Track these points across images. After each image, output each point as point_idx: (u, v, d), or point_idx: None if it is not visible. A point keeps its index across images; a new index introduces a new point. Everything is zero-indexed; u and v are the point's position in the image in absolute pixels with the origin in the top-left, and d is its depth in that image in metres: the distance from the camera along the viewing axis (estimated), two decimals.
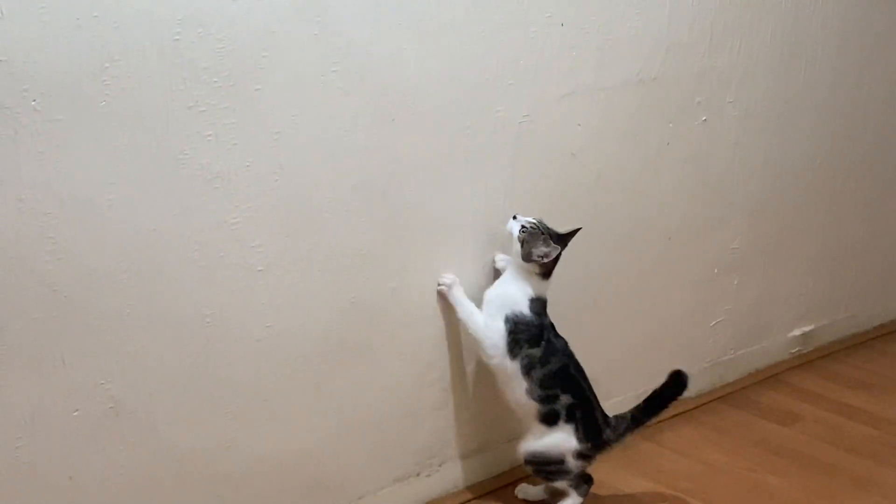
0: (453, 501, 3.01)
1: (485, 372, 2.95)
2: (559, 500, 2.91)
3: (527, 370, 2.80)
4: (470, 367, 2.97)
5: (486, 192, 2.87)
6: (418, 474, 2.97)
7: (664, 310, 3.45)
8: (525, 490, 3.00)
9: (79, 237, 2.21)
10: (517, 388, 2.82)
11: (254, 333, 2.53)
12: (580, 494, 2.90)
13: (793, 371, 3.84)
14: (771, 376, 3.79)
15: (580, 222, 3.09)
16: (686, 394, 3.52)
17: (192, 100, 2.28)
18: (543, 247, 2.77)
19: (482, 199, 2.86)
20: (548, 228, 2.80)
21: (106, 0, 2.13)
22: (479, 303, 2.84)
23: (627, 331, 3.35)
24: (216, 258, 2.42)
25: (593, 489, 2.93)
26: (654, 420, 2.95)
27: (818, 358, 3.94)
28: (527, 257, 2.78)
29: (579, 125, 3.01)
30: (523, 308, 2.80)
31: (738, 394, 3.67)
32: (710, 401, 3.61)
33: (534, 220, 2.80)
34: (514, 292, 2.81)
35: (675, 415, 3.47)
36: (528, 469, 2.93)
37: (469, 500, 3.02)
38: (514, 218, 2.82)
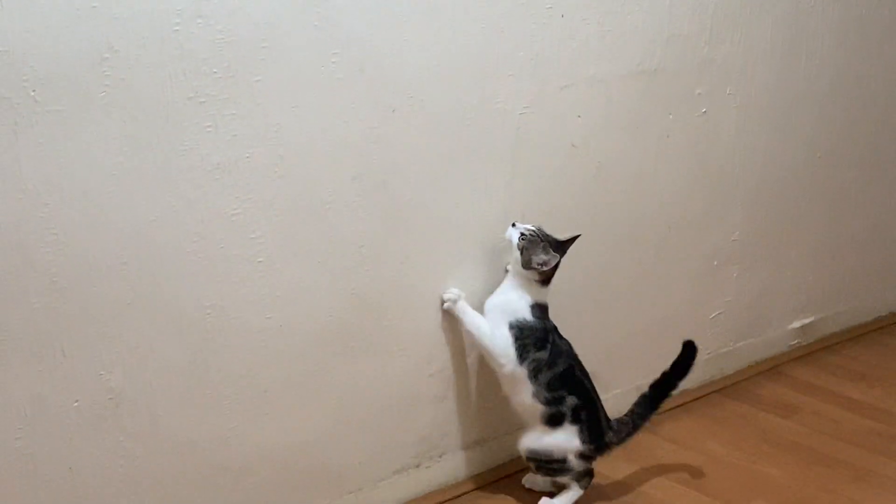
0: (453, 493, 3.01)
1: (484, 364, 2.95)
2: (561, 492, 2.92)
3: (534, 374, 2.81)
4: (469, 359, 2.97)
5: (487, 184, 2.87)
6: (418, 466, 2.97)
7: (664, 301, 3.45)
8: (532, 480, 3.00)
9: (79, 228, 2.21)
10: (524, 392, 2.83)
11: (253, 325, 2.53)
12: (581, 487, 2.91)
13: (792, 363, 3.84)
14: (770, 368, 3.79)
15: (580, 214, 3.10)
16: (686, 385, 3.54)
17: (191, 91, 2.28)
18: (543, 254, 2.78)
19: (483, 191, 2.86)
20: (547, 236, 2.81)
21: None
22: (480, 309, 2.86)
23: (627, 322, 3.35)
24: (216, 249, 2.42)
25: (594, 480, 2.93)
26: (656, 411, 2.97)
27: (818, 350, 3.94)
28: (526, 265, 2.78)
29: (579, 117, 3.01)
30: (525, 314, 2.81)
31: (737, 386, 3.67)
32: (710, 392, 3.61)
33: (533, 228, 2.81)
34: (514, 300, 2.82)
35: (675, 406, 3.48)
36: (531, 465, 2.93)
37: (469, 492, 3.03)
38: (513, 225, 2.83)
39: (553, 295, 2.85)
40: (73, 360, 2.28)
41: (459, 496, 3.00)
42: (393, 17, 2.55)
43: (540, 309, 2.83)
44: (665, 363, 3.31)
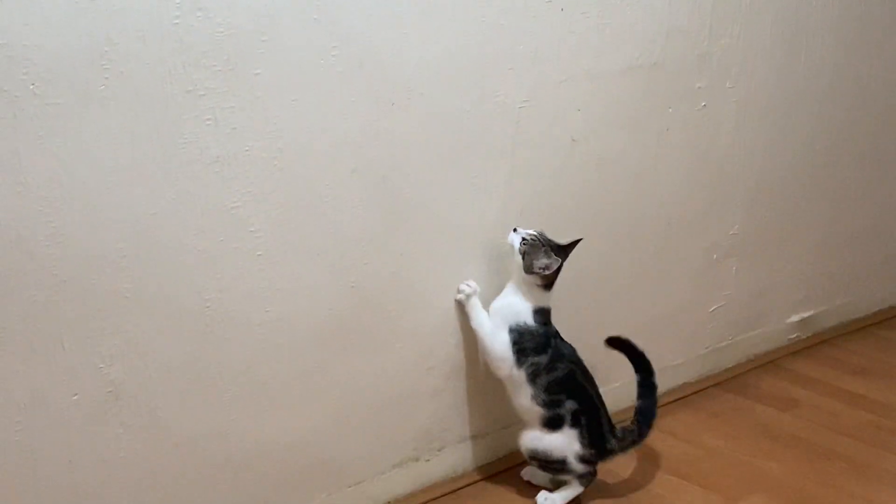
0: (453, 486, 3.01)
1: (482, 358, 2.95)
2: (560, 486, 2.92)
3: (532, 377, 2.83)
4: (469, 353, 2.97)
5: (486, 178, 2.87)
6: (417, 459, 2.97)
7: (663, 295, 3.45)
8: (531, 473, 3.00)
9: (78, 222, 2.21)
10: (523, 395, 2.85)
11: (253, 318, 2.53)
12: (582, 485, 2.92)
13: (791, 357, 3.84)
14: (769, 362, 3.80)
15: (579, 208, 3.10)
16: (685, 379, 3.55)
17: (191, 84, 2.28)
18: (545, 259, 2.79)
19: (482, 185, 2.86)
20: (548, 240, 2.82)
21: None
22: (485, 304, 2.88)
23: (627, 316, 3.35)
24: (215, 243, 2.42)
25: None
26: (656, 415, 2.98)
27: (817, 344, 3.95)
28: (528, 269, 2.80)
29: (579, 110, 3.01)
30: (527, 318, 2.83)
31: (736, 379, 3.68)
32: (709, 386, 3.62)
33: (534, 233, 2.82)
34: (516, 304, 2.84)
35: (674, 400, 3.48)
36: (533, 463, 2.94)
37: (468, 485, 3.03)
38: (515, 231, 2.84)
39: (554, 289, 2.85)
40: (72, 354, 2.28)
41: (459, 489, 3.01)
42: (393, 12, 2.55)
43: (542, 313, 2.84)
44: (665, 358, 3.32)
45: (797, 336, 3.94)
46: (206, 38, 2.27)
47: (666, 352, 3.51)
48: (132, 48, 2.18)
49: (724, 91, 3.35)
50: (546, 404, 2.84)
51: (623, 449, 2.94)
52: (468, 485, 3.03)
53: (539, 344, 2.83)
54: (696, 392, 3.56)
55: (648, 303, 3.41)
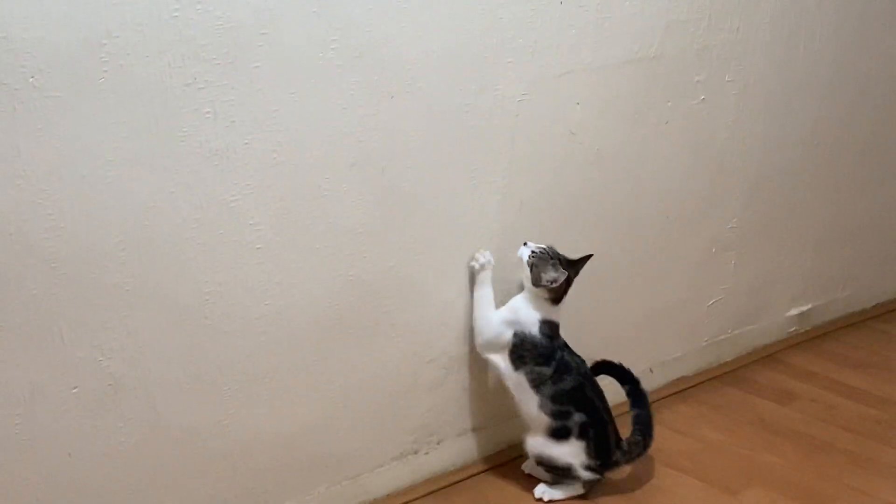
0: (452, 479, 3.02)
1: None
2: (562, 483, 2.94)
3: (536, 385, 2.84)
4: (467, 346, 2.97)
5: (485, 171, 2.86)
6: (416, 452, 2.98)
7: (662, 289, 3.45)
8: (531, 466, 3.01)
9: (77, 214, 2.21)
10: (529, 401, 2.86)
11: (252, 311, 2.54)
12: (583, 487, 2.93)
13: (790, 350, 3.85)
14: (768, 355, 3.80)
15: (578, 201, 3.10)
16: (684, 372, 3.55)
17: (190, 77, 2.27)
18: (553, 272, 2.80)
19: (481, 178, 2.86)
20: (557, 254, 2.84)
21: None
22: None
23: (625, 310, 3.36)
24: (215, 236, 2.42)
25: None
26: (653, 418, 3.01)
27: (815, 337, 3.95)
28: (536, 282, 2.81)
29: (578, 104, 3.01)
30: (532, 328, 2.83)
31: (735, 373, 3.68)
32: (708, 379, 3.62)
33: (544, 247, 2.84)
34: (524, 311, 2.85)
35: (673, 393, 3.49)
36: (539, 468, 2.94)
37: (467, 478, 3.03)
38: (525, 244, 2.85)
39: (563, 304, 2.88)
40: (71, 347, 2.28)
41: (458, 482, 3.01)
42: (392, 5, 2.54)
43: (549, 326, 2.85)
44: (664, 352, 3.33)
45: (796, 330, 3.95)
46: (205, 31, 2.27)
47: (665, 345, 3.51)
48: (131, 41, 2.18)
49: (723, 84, 3.35)
50: (553, 414, 2.85)
51: (629, 461, 2.96)
52: (467, 478, 3.03)
53: (541, 355, 2.84)
54: (695, 385, 3.56)
55: (647, 296, 3.41)
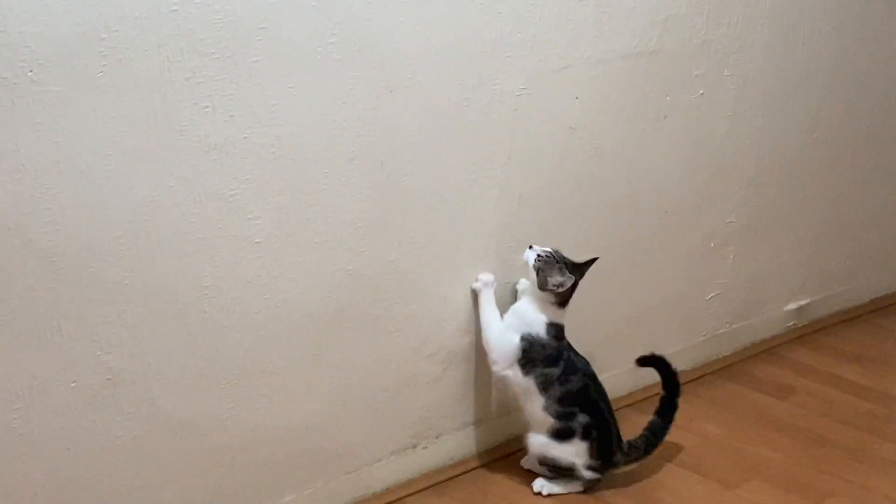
0: (450, 473, 3.02)
1: (481, 346, 2.96)
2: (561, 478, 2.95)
3: (543, 387, 2.85)
4: (466, 340, 2.97)
5: (484, 166, 2.86)
6: (415, 446, 2.98)
7: (660, 283, 3.45)
8: (531, 462, 3.01)
9: (76, 208, 2.21)
10: (535, 404, 2.87)
11: (251, 305, 2.54)
12: (583, 485, 2.94)
13: (788, 345, 3.85)
14: (766, 350, 3.80)
15: (577, 196, 3.10)
16: (682, 367, 3.55)
17: (189, 71, 2.27)
18: (559, 276, 2.81)
19: (480, 172, 2.86)
20: (564, 258, 2.84)
21: None
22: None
23: (623, 304, 3.36)
24: (214, 230, 2.42)
25: None
26: (668, 432, 3.02)
27: (813, 332, 3.95)
28: (542, 286, 2.82)
29: (577, 98, 3.01)
30: (539, 330, 2.84)
31: (733, 367, 3.68)
32: (706, 374, 3.62)
33: (550, 250, 2.84)
34: (531, 315, 2.86)
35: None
36: (542, 468, 2.94)
37: (466, 472, 3.03)
38: (531, 248, 2.86)
39: (569, 307, 2.89)
40: (70, 341, 2.28)
41: (457, 476, 3.01)
42: None
43: (555, 328, 2.86)
44: (662, 346, 3.32)
45: (794, 324, 3.95)
46: (204, 25, 2.26)
47: (663, 339, 3.51)
48: (130, 35, 2.18)
49: (722, 79, 3.35)
50: (559, 415, 2.85)
51: (627, 463, 2.96)
52: (466, 472, 3.04)
53: (549, 356, 2.84)
54: (694, 380, 3.56)
55: (645, 290, 3.41)
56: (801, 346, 3.85)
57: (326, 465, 2.80)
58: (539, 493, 2.93)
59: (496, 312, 2.90)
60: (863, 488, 2.97)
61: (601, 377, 2.97)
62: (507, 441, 3.13)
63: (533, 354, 2.84)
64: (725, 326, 3.72)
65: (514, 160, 2.92)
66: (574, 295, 2.88)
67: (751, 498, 2.93)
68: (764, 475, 3.02)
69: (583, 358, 2.92)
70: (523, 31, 2.81)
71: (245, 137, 2.40)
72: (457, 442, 3.06)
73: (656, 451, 3.01)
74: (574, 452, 2.87)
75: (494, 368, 2.90)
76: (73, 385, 2.31)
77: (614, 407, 2.98)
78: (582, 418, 2.86)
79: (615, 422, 2.94)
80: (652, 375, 3.43)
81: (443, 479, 2.99)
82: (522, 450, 3.00)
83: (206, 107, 2.32)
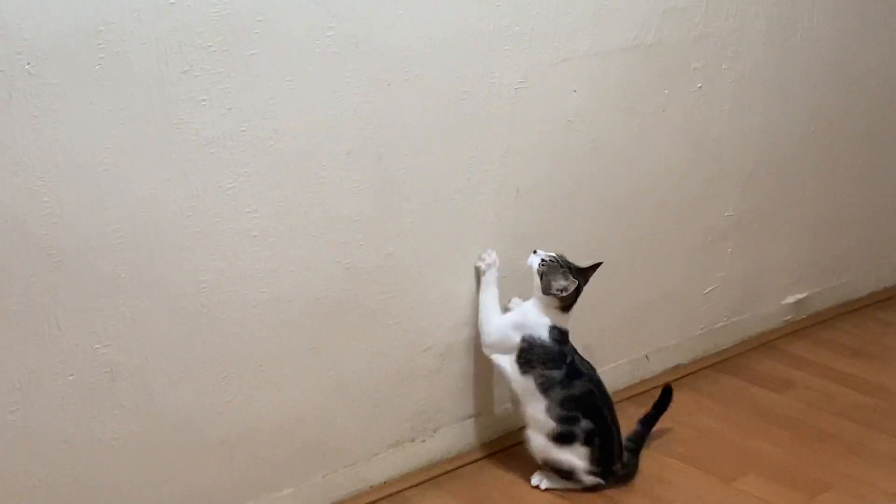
0: (448, 467, 3.02)
1: (478, 339, 2.96)
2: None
3: (544, 389, 2.84)
4: (464, 334, 2.97)
5: (482, 159, 2.86)
6: (413, 440, 2.98)
7: (658, 277, 3.45)
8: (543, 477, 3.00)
9: (74, 202, 2.21)
10: (537, 406, 2.86)
11: (249, 299, 2.53)
12: (582, 485, 2.93)
13: (786, 338, 3.84)
14: (764, 343, 3.80)
15: (575, 190, 3.10)
16: (680, 360, 3.56)
17: (186, 64, 2.27)
18: (562, 280, 2.80)
19: (478, 166, 2.86)
20: (567, 262, 2.84)
21: None
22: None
23: (621, 298, 3.35)
24: (211, 223, 2.42)
25: None
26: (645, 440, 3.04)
27: (811, 325, 3.95)
28: (546, 290, 2.82)
29: (575, 91, 3.00)
30: (542, 333, 2.84)
31: (731, 361, 3.68)
32: (704, 367, 3.62)
33: (554, 255, 2.85)
34: (534, 316, 2.86)
35: (670, 381, 3.48)
36: (545, 468, 2.94)
37: (464, 466, 3.03)
38: (535, 252, 2.86)
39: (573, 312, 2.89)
40: (68, 334, 2.28)
41: (455, 470, 3.01)
42: None
43: (558, 332, 2.86)
44: (660, 339, 3.33)
45: (792, 318, 3.95)
46: (201, 18, 2.26)
47: (661, 333, 3.51)
48: (128, 28, 2.17)
49: (720, 72, 3.34)
50: (560, 419, 2.84)
51: (626, 476, 2.95)
52: (465, 465, 3.04)
53: (551, 359, 2.84)
54: (691, 373, 3.56)
55: (643, 284, 3.41)
56: (799, 339, 3.84)
57: (325, 459, 2.80)
58: (537, 487, 2.93)
59: (496, 295, 2.89)
60: (860, 482, 2.97)
61: (599, 371, 2.97)
62: (505, 434, 3.13)
63: (532, 355, 2.84)
64: (723, 320, 3.72)
65: (512, 153, 2.92)
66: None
67: (748, 491, 2.93)
68: (761, 469, 3.03)
69: (588, 363, 2.92)
70: (521, 24, 2.81)
71: (243, 131, 2.40)
72: (455, 435, 3.06)
73: (651, 437, 3.02)
74: (575, 457, 2.86)
75: (486, 351, 2.91)
76: (71, 378, 2.31)
77: (612, 399, 2.98)
78: (584, 424, 2.85)
79: (619, 431, 2.93)
80: (650, 369, 3.45)
81: (441, 472, 3.00)
82: (520, 443, 3.00)
83: (204, 100, 2.32)
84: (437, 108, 2.73)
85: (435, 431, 3.02)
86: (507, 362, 2.87)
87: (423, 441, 3.00)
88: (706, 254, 3.57)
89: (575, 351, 2.89)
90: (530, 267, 2.85)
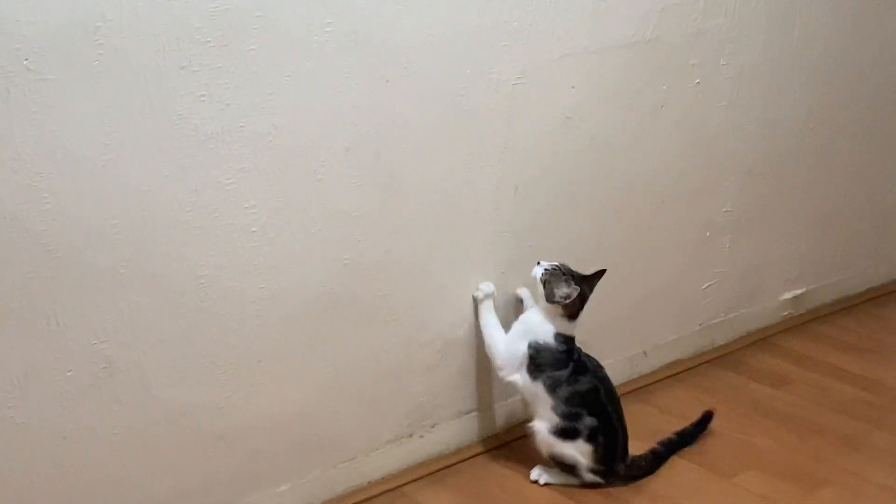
0: (446, 462, 3.02)
1: (476, 334, 2.96)
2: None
3: (552, 389, 2.85)
4: (462, 329, 2.98)
5: (480, 155, 2.86)
6: (411, 435, 2.98)
7: (656, 272, 3.45)
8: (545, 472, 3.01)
9: (72, 197, 2.21)
10: (544, 406, 2.87)
11: (247, 294, 2.53)
12: (588, 479, 2.93)
13: (784, 334, 3.85)
14: (762, 339, 3.80)
15: (573, 185, 3.10)
16: (678, 356, 3.56)
17: (185, 59, 2.27)
18: (565, 288, 2.82)
19: (476, 161, 2.86)
20: (570, 270, 2.86)
21: None
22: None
23: (620, 294, 3.35)
24: (209, 219, 2.42)
25: None
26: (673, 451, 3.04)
27: (809, 321, 3.95)
28: (549, 298, 2.83)
29: (573, 87, 3.00)
30: (548, 338, 2.86)
31: (729, 356, 3.68)
32: (702, 363, 3.62)
33: (556, 264, 2.86)
34: (539, 324, 2.87)
35: (667, 377, 3.49)
36: (550, 461, 2.94)
37: (462, 461, 3.03)
38: (538, 264, 2.88)
39: (579, 321, 2.90)
40: (66, 330, 2.28)
41: (453, 465, 3.01)
42: None
43: (564, 338, 2.87)
44: (658, 335, 3.32)
45: (790, 313, 3.95)
46: (200, 13, 2.26)
47: (659, 328, 3.51)
48: (126, 23, 2.17)
49: (718, 68, 3.34)
50: (564, 415, 2.85)
51: (627, 478, 2.93)
52: (463, 460, 3.04)
53: (558, 360, 2.85)
54: (689, 369, 3.56)
55: (642, 279, 3.41)
56: (797, 335, 3.85)
57: (323, 454, 2.81)
58: (536, 482, 2.93)
59: (496, 320, 2.93)
60: (858, 477, 2.97)
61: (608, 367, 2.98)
62: (503, 430, 3.14)
63: (540, 360, 2.85)
64: (721, 315, 3.72)
65: (510, 149, 2.92)
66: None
67: (746, 487, 2.93)
68: (760, 464, 3.03)
69: (596, 361, 2.93)
70: (520, 20, 2.81)
71: (241, 126, 2.40)
72: (453, 430, 3.06)
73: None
74: (577, 454, 2.87)
75: (501, 374, 2.92)
76: (69, 374, 2.31)
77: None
78: (589, 421, 2.85)
79: (625, 431, 2.93)
80: (646, 364, 3.45)
81: (439, 467, 3.00)
82: (519, 438, 3.00)
83: (202, 96, 2.32)
84: (435, 104, 2.73)
85: (433, 427, 3.02)
86: (519, 378, 2.89)
87: (422, 436, 3.00)
88: (704, 249, 3.57)
89: (580, 351, 2.91)
90: (535, 278, 2.86)
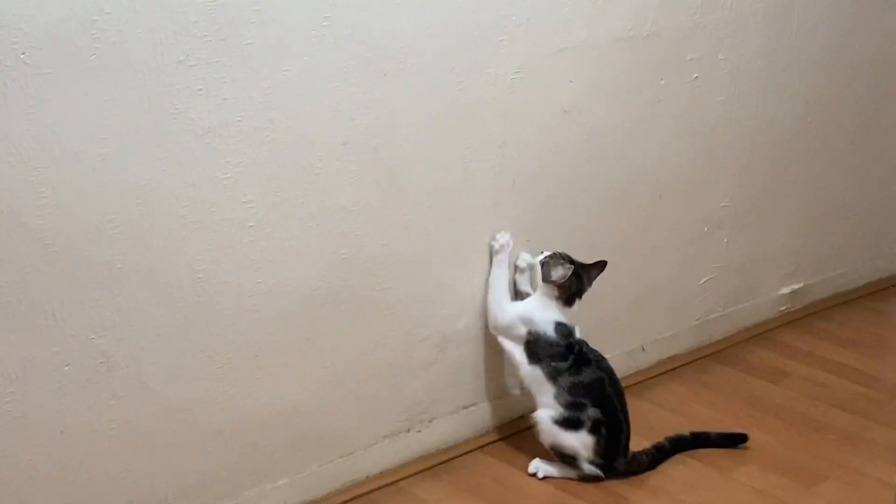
0: (444, 457, 3.02)
1: (475, 329, 2.96)
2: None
3: (552, 376, 2.87)
4: (460, 324, 2.97)
5: (478, 149, 2.86)
6: (409, 430, 2.98)
7: (654, 267, 3.45)
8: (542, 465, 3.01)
9: (69, 191, 2.20)
10: (546, 393, 2.89)
11: (245, 289, 2.53)
12: (580, 476, 2.92)
13: (782, 329, 3.85)
14: (760, 334, 3.80)
15: (571, 180, 3.10)
16: (676, 351, 3.56)
17: (182, 54, 2.27)
18: (561, 269, 2.87)
19: (474, 156, 2.86)
20: (568, 256, 2.91)
21: None
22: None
23: (617, 288, 3.35)
24: (207, 213, 2.41)
25: None
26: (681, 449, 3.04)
27: (807, 316, 3.95)
28: (545, 278, 2.88)
29: (571, 82, 3.00)
30: (547, 328, 2.88)
31: (727, 351, 3.68)
32: (700, 358, 3.62)
33: (559, 252, 2.91)
34: (538, 311, 2.90)
35: (665, 371, 3.49)
36: (551, 452, 2.94)
37: (460, 456, 3.03)
38: (542, 252, 2.92)
39: (576, 308, 2.93)
40: (64, 324, 2.28)
41: (451, 460, 3.01)
42: None
43: (563, 328, 2.89)
44: (655, 330, 3.32)
45: (788, 308, 3.95)
46: (197, 7, 2.26)
47: (656, 323, 3.51)
48: (123, 17, 2.17)
49: (716, 63, 3.34)
50: (567, 405, 2.86)
51: (628, 474, 2.94)
52: (460, 455, 3.04)
53: (557, 353, 2.87)
54: (687, 364, 3.56)
55: (639, 274, 3.41)
56: (795, 330, 3.85)
57: (320, 449, 2.80)
58: (534, 475, 2.93)
59: (507, 277, 2.95)
60: (856, 472, 2.98)
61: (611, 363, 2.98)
62: (501, 424, 3.13)
63: (538, 349, 2.87)
64: (719, 310, 3.72)
65: (508, 144, 2.91)
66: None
67: (745, 482, 2.93)
68: (758, 459, 3.03)
69: (597, 352, 2.94)
70: (518, 14, 2.81)
71: (238, 121, 2.39)
72: (451, 425, 3.06)
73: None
74: (580, 445, 2.87)
75: (491, 329, 2.97)
76: (66, 368, 2.31)
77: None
78: (592, 412, 2.86)
79: (628, 426, 2.93)
80: (644, 359, 3.45)
81: (437, 462, 3.00)
82: (516, 432, 3.00)
83: (200, 90, 2.31)
84: (433, 98, 2.72)
85: (431, 421, 3.02)
86: (515, 349, 2.91)
87: (420, 431, 3.00)
88: (702, 244, 3.57)
89: (582, 341, 2.92)
90: (538, 265, 2.90)
